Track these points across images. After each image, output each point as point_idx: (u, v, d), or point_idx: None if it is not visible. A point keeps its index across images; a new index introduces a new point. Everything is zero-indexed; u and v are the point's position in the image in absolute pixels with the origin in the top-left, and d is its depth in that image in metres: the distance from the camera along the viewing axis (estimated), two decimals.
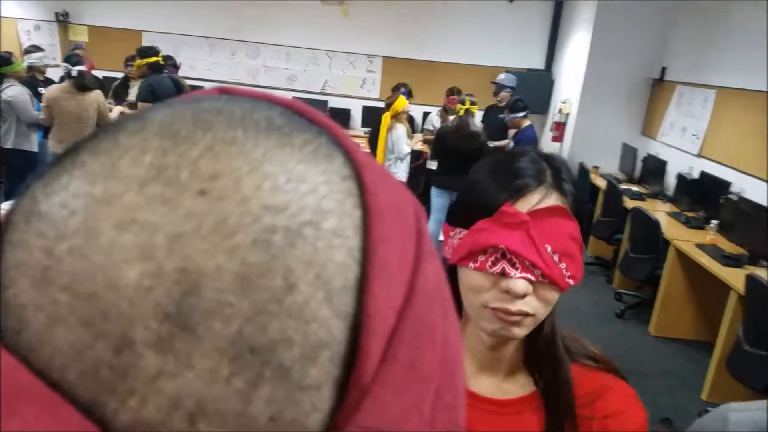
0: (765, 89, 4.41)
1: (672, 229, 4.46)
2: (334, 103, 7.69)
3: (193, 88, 7.09)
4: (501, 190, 0.68)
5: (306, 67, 7.69)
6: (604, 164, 6.50)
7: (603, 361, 0.80)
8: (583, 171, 6.28)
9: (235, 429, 0.19)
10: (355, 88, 7.85)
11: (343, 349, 0.21)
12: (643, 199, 5.40)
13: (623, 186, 5.69)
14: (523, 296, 0.67)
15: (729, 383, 3.30)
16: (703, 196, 4.82)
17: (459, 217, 0.73)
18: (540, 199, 0.68)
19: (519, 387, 0.78)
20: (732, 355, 3.18)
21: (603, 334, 4.44)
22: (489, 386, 0.77)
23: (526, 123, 5.33)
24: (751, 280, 3.05)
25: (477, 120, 5.33)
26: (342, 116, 7.59)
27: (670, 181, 5.54)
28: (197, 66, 7.60)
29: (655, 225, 4.34)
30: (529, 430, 0.76)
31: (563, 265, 0.68)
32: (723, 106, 5.09)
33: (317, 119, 0.25)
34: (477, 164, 0.78)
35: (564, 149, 6.95)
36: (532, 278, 0.67)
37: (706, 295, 4.15)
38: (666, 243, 4.29)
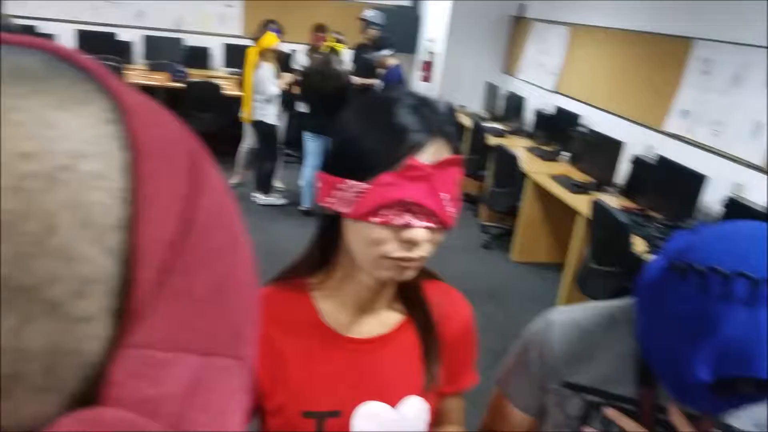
0: (615, 26, 4.75)
1: (529, 163, 4.75)
2: (191, 41, 7.11)
3: (26, 28, 6.22)
4: (398, 144, 0.69)
5: (156, 1, 6.99)
6: (470, 103, 6.73)
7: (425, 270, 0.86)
8: (451, 110, 6.45)
9: (13, 362, 0.21)
10: (212, 24, 7.30)
11: (116, 283, 0.23)
12: (504, 136, 5.68)
13: (487, 124, 5.94)
14: (421, 243, 0.71)
15: (579, 298, 3.65)
16: (558, 131, 5.17)
17: (346, 168, 0.71)
18: (435, 149, 0.70)
19: (397, 315, 0.85)
20: (580, 273, 3.51)
21: (471, 263, 4.72)
22: (372, 325, 0.83)
23: (393, 62, 5.30)
24: (595, 204, 3.35)
25: (346, 59, 5.23)
26: (199, 55, 7.05)
27: (530, 117, 5.87)
28: (28, 3, 6.59)
29: (514, 160, 4.60)
30: (412, 351, 0.84)
31: (452, 210, 0.72)
32: (576, 43, 5.43)
33: (83, 64, 0.25)
34: (347, 111, 0.75)
35: (433, 89, 7.08)
36: (433, 226, 0.70)
37: (559, 221, 4.52)
38: (524, 175, 4.58)
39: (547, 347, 0.91)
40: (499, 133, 5.71)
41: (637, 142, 4.18)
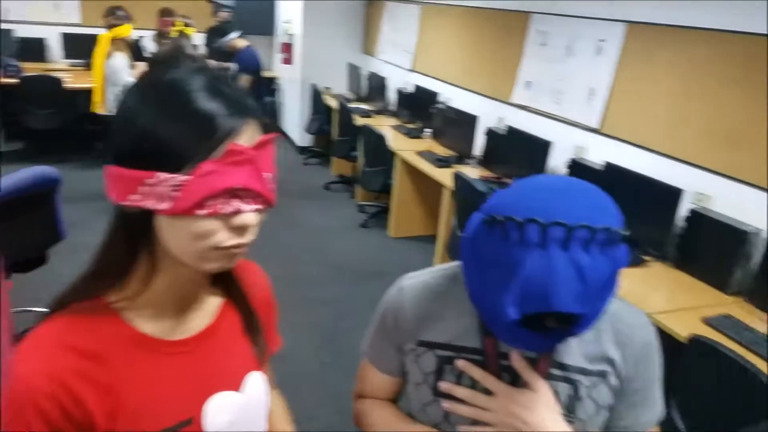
0: (462, 4, 4.95)
1: (396, 141, 4.89)
2: (21, 32, 6.41)
3: None
4: (211, 131, 0.64)
5: None
6: (335, 84, 6.74)
7: None
8: (316, 93, 6.43)
9: None
10: (46, 12, 6.62)
11: None
12: (370, 116, 5.78)
13: (353, 105, 5.99)
14: (251, 227, 0.69)
15: None
16: (419, 108, 5.35)
17: (149, 160, 0.64)
18: (250, 131, 0.68)
19: (215, 299, 0.83)
20: (450, 242, 3.70)
21: (351, 244, 4.79)
22: (197, 319, 0.79)
23: (243, 44, 5.13)
24: (456, 176, 3.53)
25: (198, 43, 4.98)
26: (34, 47, 6.38)
27: (392, 95, 6.00)
28: None
29: (382, 139, 4.70)
30: (237, 330, 0.84)
31: (273, 187, 0.71)
32: (428, 22, 5.60)
33: None
34: (129, 97, 0.68)
35: (295, 71, 6.99)
36: (261, 207, 0.69)
37: (429, 195, 4.71)
38: (392, 154, 4.70)
39: (400, 311, 0.96)
40: (366, 114, 5.79)
41: (490, 114, 4.45)
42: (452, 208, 3.85)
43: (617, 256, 0.74)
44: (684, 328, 2.14)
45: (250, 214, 0.68)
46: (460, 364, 0.90)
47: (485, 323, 0.86)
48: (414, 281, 0.99)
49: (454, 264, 0.97)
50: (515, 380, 0.88)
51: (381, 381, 1.04)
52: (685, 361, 2.09)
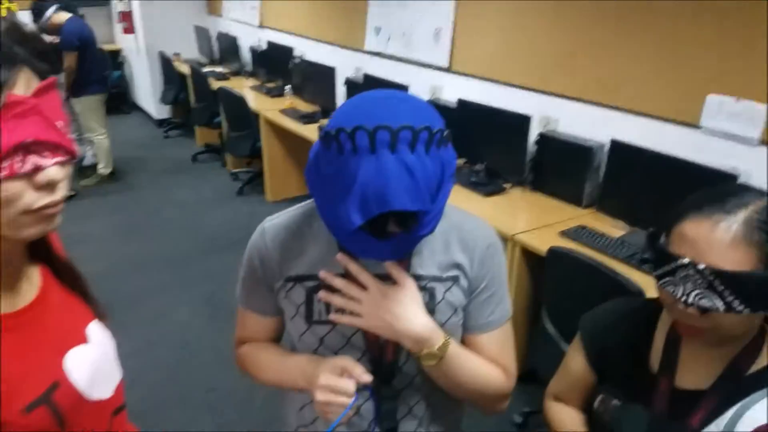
0: None
1: (258, 102, 4.72)
2: None
3: None
4: None
5: None
6: (184, 50, 6.33)
7: None
8: (165, 60, 6.00)
9: None
10: None
11: None
12: (227, 79, 5.51)
13: (206, 69, 5.68)
14: (59, 182, 0.65)
15: None
16: (275, 65, 5.17)
17: None
18: (26, 80, 0.62)
19: (33, 267, 0.78)
20: None
21: (229, 213, 4.63)
22: (27, 291, 0.76)
23: (65, 17, 4.60)
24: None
25: (26, 19, 4.38)
26: None
27: (246, 55, 5.75)
28: None
29: (242, 101, 4.51)
30: (63, 291, 0.82)
31: (71, 135, 0.68)
32: None
33: None
34: None
35: (139, 40, 6.47)
36: (63, 159, 0.65)
37: (301, 154, 4.63)
38: (256, 116, 4.54)
39: (264, 252, 1.00)
40: (222, 77, 5.51)
41: (347, 64, 4.40)
42: None
43: (443, 156, 0.81)
44: (543, 243, 2.30)
45: (53, 169, 0.64)
46: (323, 274, 0.93)
47: (340, 242, 0.90)
48: (274, 222, 1.02)
49: (310, 201, 0.99)
50: None
51: (258, 323, 1.08)
52: (547, 272, 2.28)
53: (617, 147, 2.48)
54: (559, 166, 2.81)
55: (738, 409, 0.75)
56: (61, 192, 0.66)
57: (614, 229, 2.51)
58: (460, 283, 0.96)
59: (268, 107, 4.57)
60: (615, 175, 2.52)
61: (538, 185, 2.91)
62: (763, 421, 0.70)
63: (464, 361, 0.96)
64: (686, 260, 0.82)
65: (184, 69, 5.82)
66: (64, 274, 0.83)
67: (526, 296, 2.61)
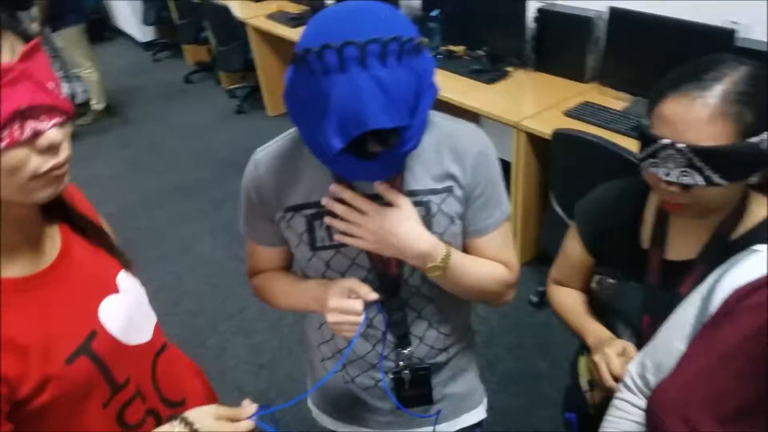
0: None
1: (243, 9, 4.50)
2: None
3: None
4: None
5: None
6: None
7: None
8: None
9: None
10: None
11: None
12: None
13: None
14: (61, 143, 0.66)
15: None
16: None
17: None
18: (9, 45, 0.62)
19: (52, 224, 0.81)
20: None
21: (230, 133, 4.60)
22: (50, 248, 0.78)
23: None
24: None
25: None
26: None
27: None
28: None
29: (227, 11, 4.32)
30: (88, 245, 0.85)
31: (63, 93, 0.68)
32: None
33: None
34: None
35: None
36: (60, 120, 0.66)
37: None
38: (243, 25, 4.35)
39: (260, 184, 0.99)
40: None
41: None
42: None
43: (418, 66, 0.77)
44: (549, 126, 2.27)
45: (52, 131, 0.65)
46: (324, 201, 0.94)
47: (327, 167, 0.90)
48: (265, 152, 1.01)
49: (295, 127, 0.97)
50: None
51: (267, 254, 1.10)
52: (554, 154, 2.26)
53: (616, 14, 2.37)
54: (560, 42, 2.71)
55: (718, 274, 0.78)
56: (65, 153, 0.68)
57: (617, 101, 2.46)
58: (454, 193, 0.97)
59: (255, 14, 4.37)
60: (616, 44, 2.42)
61: (541, 64, 2.83)
62: (740, 283, 0.73)
63: (467, 266, 0.98)
64: (666, 141, 0.83)
65: None
66: (84, 228, 0.85)
67: (535, 181, 2.62)
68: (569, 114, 2.41)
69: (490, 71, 2.85)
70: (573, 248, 1.15)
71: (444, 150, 0.96)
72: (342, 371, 1.14)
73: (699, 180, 0.83)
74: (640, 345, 0.95)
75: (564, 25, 2.65)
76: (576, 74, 2.68)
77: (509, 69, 2.87)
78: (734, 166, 0.82)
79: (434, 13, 3.05)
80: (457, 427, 1.21)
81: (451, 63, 3.02)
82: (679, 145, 0.82)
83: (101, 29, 7.00)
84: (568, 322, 1.18)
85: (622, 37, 2.38)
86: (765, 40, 2.11)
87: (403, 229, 0.90)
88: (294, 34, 3.90)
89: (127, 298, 0.86)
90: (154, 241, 3.35)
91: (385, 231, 0.90)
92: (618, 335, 1.07)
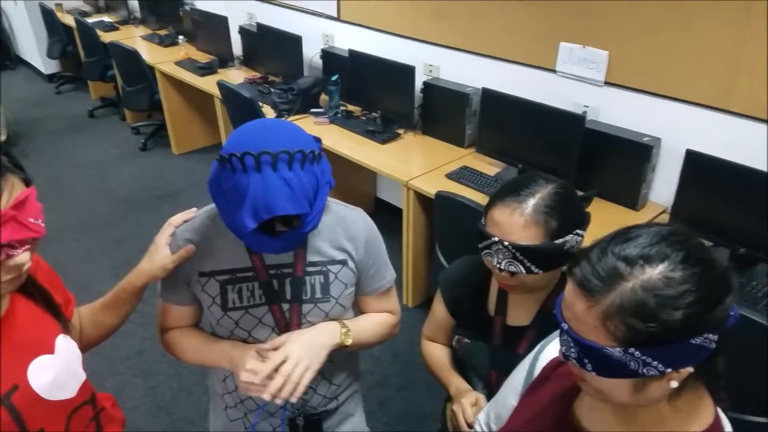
0: None
1: (152, 54, 4.60)
2: None
3: None
4: None
5: None
6: None
7: None
8: (46, 11, 5.61)
9: None
10: None
11: None
12: (116, 29, 5.28)
13: (93, 19, 5.40)
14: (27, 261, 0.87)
15: None
16: (164, 11, 5.00)
17: None
18: (9, 188, 0.82)
19: (7, 297, 0.96)
20: None
21: (133, 170, 4.60)
22: None
23: None
24: (220, 86, 3.53)
25: None
26: None
27: (133, 3, 5.48)
28: None
29: (136, 55, 4.39)
30: (33, 307, 1.00)
31: (41, 220, 0.88)
32: None
33: None
34: None
35: None
36: (30, 245, 0.87)
37: (203, 104, 4.54)
38: (151, 68, 4.44)
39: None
40: (110, 27, 5.28)
41: (240, 11, 4.35)
42: (226, 116, 3.87)
43: (316, 169, 1.02)
44: (433, 186, 2.59)
45: (21, 256, 0.84)
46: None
47: (241, 241, 1.09)
48: (185, 226, 1.19)
49: (212, 205, 1.17)
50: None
51: (179, 312, 1.25)
52: (435, 212, 2.58)
53: (487, 94, 2.75)
54: (443, 112, 3.07)
55: (541, 346, 1.00)
56: (28, 263, 0.87)
57: (491, 166, 2.82)
58: (348, 265, 1.19)
59: (163, 59, 4.48)
60: (488, 119, 2.80)
61: (427, 129, 3.17)
62: (555, 355, 0.94)
63: (364, 329, 1.24)
64: (496, 238, 1.10)
65: (69, 20, 5.49)
66: (31, 291, 1.00)
67: (423, 234, 2.92)
68: (450, 176, 2.75)
69: (383, 132, 3.15)
70: (438, 310, 1.40)
71: (338, 231, 1.19)
72: (242, 418, 1.30)
73: (521, 269, 1.09)
74: (490, 396, 1.18)
75: (446, 97, 3.02)
76: (457, 140, 3.04)
77: (400, 131, 3.19)
78: (546, 260, 1.10)
79: (334, 77, 3.35)
80: None
81: (348, 122, 3.31)
82: (505, 243, 1.08)
83: (2, 56, 6.74)
84: (434, 374, 1.43)
85: (493, 112, 2.75)
86: (609, 122, 2.53)
87: (308, 339, 1.13)
88: (202, 82, 4.05)
89: (59, 359, 0.98)
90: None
91: (305, 352, 1.11)
92: (473, 386, 1.32)
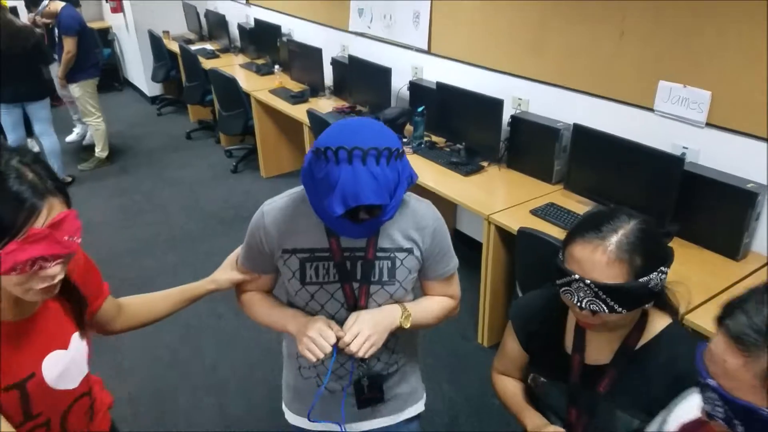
0: None
1: (248, 82, 4.85)
2: None
3: None
4: (15, 213, 0.86)
5: None
6: (173, 27, 6.40)
7: None
8: (155, 38, 6.09)
9: None
10: None
11: None
12: (217, 56, 5.62)
13: (196, 46, 5.77)
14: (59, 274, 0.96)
15: None
16: (263, 43, 5.28)
17: None
18: (49, 208, 0.90)
19: None
20: None
21: (224, 191, 4.82)
22: (33, 305, 1.05)
23: (59, 5, 4.74)
24: (309, 114, 3.67)
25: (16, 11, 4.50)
26: None
27: (234, 32, 5.84)
28: None
29: (234, 83, 4.65)
30: (58, 307, 1.11)
31: (78, 238, 0.96)
32: None
33: None
34: None
35: (128, 17, 6.52)
36: (62, 260, 0.94)
37: (292, 131, 4.77)
38: (247, 95, 4.69)
39: (265, 230, 1.30)
40: (212, 55, 5.62)
41: (334, 43, 4.52)
42: (312, 141, 3.99)
43: (399, 166, 1.12)
44: (516, 222, 2.53)
45: (53, 269, 0.93)
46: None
47: (326, 225, 1.23)
48: (271, 206, 1.32)
49: (300, 188, 1.29)
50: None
51: (257, 279, 1.42)
52: (517, 249, 2.52)
53: (579, 130, 2.68)
54: (531, 146, 3.02)
55: (665, 411, 0.93)
56: (59, 276, 0.94)
57: (579, 204, 2.73)
58: (414, 253, 1.30)
59: (259, 87, 4.71)
60: (578, 155, 2.73)
61: (513, 163, 3.12)
62: (686, 419, 0.88)
63: (423, 311, 1.37)
64: (576, 276, 1.06)
65: (174, 47, 5.91)
66: (62, 291, 1.08)
67: (503, 270, 2.86)
68: (534, 212, 2.68)
69: (467, 164, 3.14)
70: (510, 346, 1.36)
71: (410, 221, 1.30)
72: (315, 377, 1.45)
73: (603, 308, 1.05)
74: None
75: (534, 132, 2.97)
76: (544, 175, 2.97)
77: (484, 164, 3.16)
78: (630, 299, 1.05)
79: (420, 108, 3.39)
80: (402, 419, 1.53)
81: (432, 152, 3.32)
82: (587, 281, 1.04)
83: (112, 79, 7.35)
84: (508, 408, 1.39)
85: (584, 149, 2.68)
86: (710, 165, 2.38)
87: (378, 321, 1.27)
88: (293, 110, 4.22)
89: (70, 354, 1.10)
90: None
91: (374, 331, 1.25)
92: (550, 422, 1.27)
